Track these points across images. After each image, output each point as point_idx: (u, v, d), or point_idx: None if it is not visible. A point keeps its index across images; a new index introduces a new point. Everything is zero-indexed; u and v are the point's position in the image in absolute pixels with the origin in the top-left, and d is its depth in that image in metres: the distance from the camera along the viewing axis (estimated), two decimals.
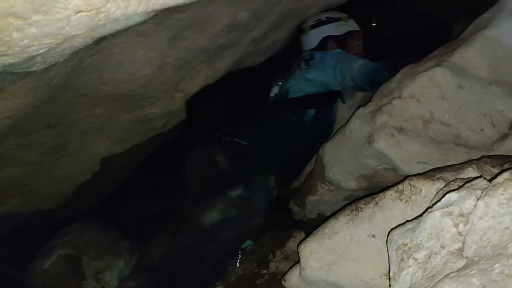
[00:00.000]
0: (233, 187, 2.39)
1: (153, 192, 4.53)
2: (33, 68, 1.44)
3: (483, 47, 1.89)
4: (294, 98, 2.82)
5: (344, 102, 2.92)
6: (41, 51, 1.23)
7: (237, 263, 2.49)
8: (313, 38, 3.14)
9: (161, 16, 2.15)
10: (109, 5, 1.11)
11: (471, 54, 1.90)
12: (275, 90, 2.95)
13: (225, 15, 2.51)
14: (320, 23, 3.14)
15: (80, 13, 1.09)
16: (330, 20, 3.15)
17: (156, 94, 2.77)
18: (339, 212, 1.58)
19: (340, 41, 3.08)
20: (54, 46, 1.24)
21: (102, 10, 1.11)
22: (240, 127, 2.75)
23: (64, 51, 1.37)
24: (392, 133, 1.90)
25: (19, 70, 1.44)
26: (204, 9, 2.33)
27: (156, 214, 4.22)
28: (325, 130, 2.82)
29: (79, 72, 2.30)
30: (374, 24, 3.70)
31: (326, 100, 2.83)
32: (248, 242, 2.55)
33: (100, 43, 2.17)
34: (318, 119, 2.78)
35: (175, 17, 2.30)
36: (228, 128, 2.74)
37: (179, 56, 2.60)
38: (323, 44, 3.08)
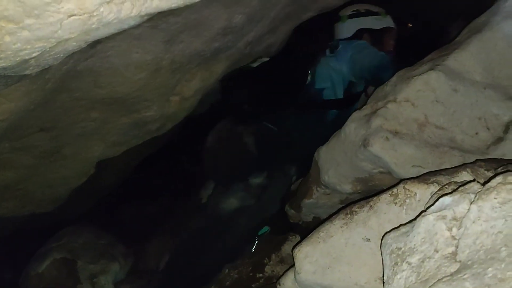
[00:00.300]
0: (255, 174, 2.46)
1: (150, 195, 4.53)
2: (27, 72, 1.44)
3: (477, 50, 1.89)
4: (321, 99, 2.82)
5: (367, 96, 2.90)
6: (34, 54, 1.22)
7: (253, 249, 2.52)
8: (349, 28, 3.12)
9: (156, 19, 2.14)
10: (102, 9, 1.11)
11: (466, 58, 1.90)
12: (308, 78, 2.95)
13: (220, 18, 2.51)
14: (358, 14, 3.12)
15: (73, 17, 1.08)
16: (368, 13, 3.13)
17: (152, 97, 2.77)
18: (334, 216, 1.58)
19: (376, 35, 3.08)
20: (47, 49, 1.24)
21: (95, 14, 1.11)
22: (270, 113, 2.75)
23: (58, 55, 1.37)
24: (387, 137, 1.89)
25: (13, 74, 1.44)
26: (200, 12, 2.33)
27: (152, 217, 4.22)
28: None
29: (74, 76, 2.29)
30: (410, 25, 3.64)
31: (350, 100, 2.83)
32: (266, 228, 2.56)
33: (95, 46, 2.17)
34: (341, 118, 2.78)
35: (170, 20, 2.30)
36: (259, 111, 2.75)
37: (174, 59, 2.60)
38: (358, 36, 3.07)
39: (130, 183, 4.50)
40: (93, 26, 1.15)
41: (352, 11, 3.15)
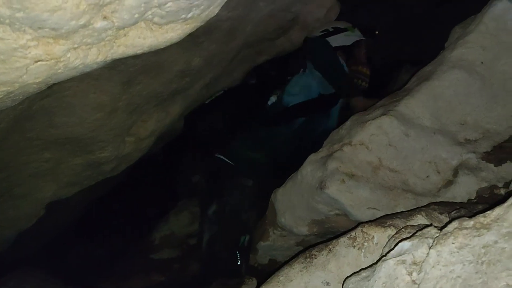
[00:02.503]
0: (208, 205, 2.65)
1: (100, 237, 4.42)
2: None
3: (426, 98, 1.99)
4: (287, 108, 2.82)
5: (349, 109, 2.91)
6: None
7: (238, 261, 2.60)
8: None
9: (115, 60, 2.14)
10: (69, 55, 1.11)
11: (415, 105, 1.99)
12: (272, 99, 2.91)
13: (179, 61, 2.53)
14: (327, 34, 3.09)
15: (40, 62, 1.08)
16: (337, 31, 3.10)
17: (107, 138, 2.73)
18: (293, 260, 1.59)
19: (349, 51, 3.07)
20: (9, 92, 1.22)
21: (62, 59, 1.11)
22: (230, 142, 2.81)
23: (17, 97, 1.35)
24: (343, 179, 1.95)
25: None
26: (159, 55, 2.34)
27: (103, 259, 4.11)
28: (317, 138, 2.83)
29: (29, 115, 2.24)
30: (377, 32, 3.63)
31: (320, 105, 2.84)
32: (243, 238, 2.62)
33: (52, 86, 2.13)
34: (309, 125, 2.81)
35: (129, 62, 2.30)
36: (218, 143, 2.82)
37: (131, 101, 2.59)
38: None
39: (80, 224, 4.38)
40: (59, 71, 1.15)
41: (321, 31, 3.11)
